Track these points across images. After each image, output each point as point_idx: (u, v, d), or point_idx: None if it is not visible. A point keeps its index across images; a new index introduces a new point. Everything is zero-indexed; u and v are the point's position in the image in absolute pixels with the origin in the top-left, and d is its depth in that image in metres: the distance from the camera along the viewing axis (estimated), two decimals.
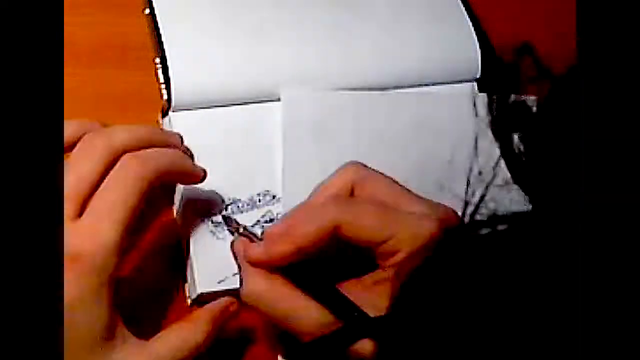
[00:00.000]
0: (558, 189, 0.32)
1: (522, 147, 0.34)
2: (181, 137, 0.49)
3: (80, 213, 0.42)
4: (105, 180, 0.43)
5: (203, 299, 0.47)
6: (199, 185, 0.49)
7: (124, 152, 0.44)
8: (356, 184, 0.44)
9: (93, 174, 0.43)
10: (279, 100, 0.53)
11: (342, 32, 0.55)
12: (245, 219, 0.49)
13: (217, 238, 0.49)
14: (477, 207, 0.33)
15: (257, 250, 0.43)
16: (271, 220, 0.50)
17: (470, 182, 0.34)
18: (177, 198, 0.50)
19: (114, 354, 0.42)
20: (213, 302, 0.45)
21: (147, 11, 0.55)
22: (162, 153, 0.46)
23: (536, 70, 0.35)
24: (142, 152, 0.44)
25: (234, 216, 0.49)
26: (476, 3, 0.59)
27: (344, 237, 0.42)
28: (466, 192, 0.34)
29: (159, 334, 0.44)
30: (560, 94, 0.34)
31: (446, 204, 0.44)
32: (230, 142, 0.51)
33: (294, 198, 0.46)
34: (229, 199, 0.50)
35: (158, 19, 0.54)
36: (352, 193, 0.45)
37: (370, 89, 0.54)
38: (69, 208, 0.42)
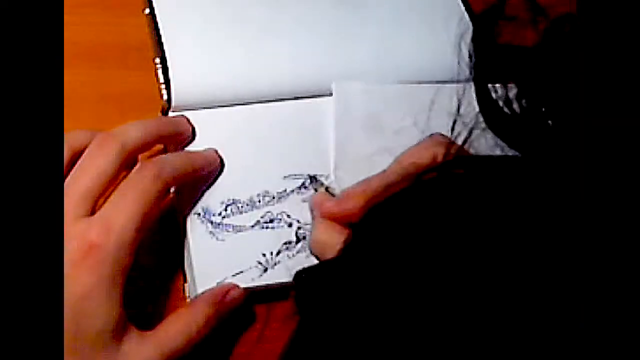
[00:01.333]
0: (547, 140, 0.32)
1: (503, 95, 0.34)
2: (188, 119, 0.50)
3: (93, 211, 0.43)
4: (123, 182, 0.44)
5: None
6: (199, 185, 0.49)
7: (136, 149, 0.45)
8: (437, 156, 0.43)
9: (107, 173, 0.44)
10: (278, 100, 0.53)
11: (345, 31, 0.55)
12: (244, 219, 0.49)
13: (217, 239, 0.49)
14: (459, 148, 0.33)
15: (330, 204, 0.43)
16: (271, 221, 0.50)
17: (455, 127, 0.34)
18: (176, 198, 0.50)
19: (122, 345, 0.42)
20: (214, 287, 0.46)
21: (147, 11, 0.55)
22: (177, 156, 0.48)
23: (531, 11, 0.35)
24: (158, 157, 0.46)
25: (233, 217, 0.49)
26: (477, 3, 0.59)
27: None
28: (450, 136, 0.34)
29: (161, 323, 0.45)
30: (554, 39, 0.34)
31: None
32: (230, 142, 0.51)
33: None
34: (229, 199, 0.50)
35: (158, 19, 0.53)
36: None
37: None
38: (82, 206, 0.43)
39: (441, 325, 0.28)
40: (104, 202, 0.44)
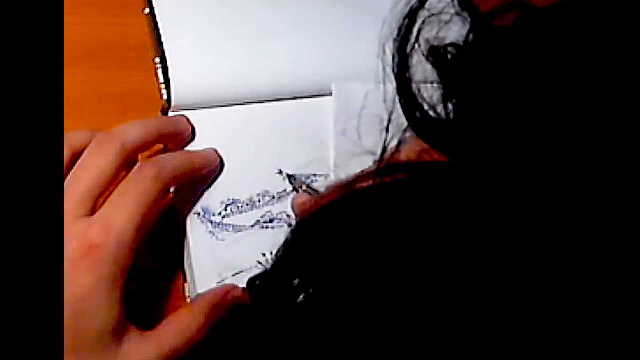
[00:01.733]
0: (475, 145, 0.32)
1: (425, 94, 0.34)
2: (188, 119, 0.50)
3: (93, 211, 0.43)
4: (123, 182, 0.44)
5: None
6: (199, 185, 0.49)
7: (136, 149, 0.45)
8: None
9: (106, 173, 0.44)
10: (278, 100, 0.53)
11: (345, 31, 0.55)
12: (244, 219, 0.49)
13: (217, 239, 0.49)
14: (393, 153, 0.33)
15: (309, 204, 0.44)
16: (271, 221, 0.50)
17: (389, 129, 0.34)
18: (176, 198, 0.50)
19: (122, 345, 0.42)
20: (215, 288, 0.46)
21: (147, 11, 0.54)
22: (176, 157, 0.48)
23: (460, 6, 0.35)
24: (158, 157, 0.46)
25: (233, 217, 0.49)
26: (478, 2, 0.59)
27: None
28: (385, 139, 0.34)
29: (161, 323, 0.45)
30: (482, 36, 0.34)
31: None
32: (230, 142, 0.51)
33: None
34: (229, 199, 0.50)
35: (158, 19, 0.53)
36: None
37: None
38: (83, 206, 0.43)
39: (366, 328, 0.29)
40: (104, 201, 0.44)
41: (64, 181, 0.44)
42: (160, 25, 0.53)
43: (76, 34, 0.54)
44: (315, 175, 0.51)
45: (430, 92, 0.34)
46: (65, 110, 0.38)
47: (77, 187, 0.43)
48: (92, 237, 0.42)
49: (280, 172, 0.51)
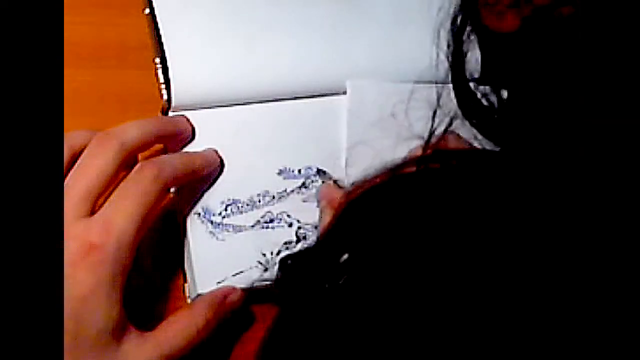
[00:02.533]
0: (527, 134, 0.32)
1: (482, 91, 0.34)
2: (187, 119, 0.50)
3: (93, 211, 0.43)
4: (123, 182, 0.44)
5: None
6: (199, 186, 0.49)
7: (136, 148, 0.46)
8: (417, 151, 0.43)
9: (106, 173, 0.44)
10: (278, 100, 0.53)
11: (346, 29, 0.55)
12: (244, 219, 0.49)
13: (217, 239, 0.49)
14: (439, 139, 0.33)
15: (338, 194, 0.45)
16: (271, 221, 0.50)
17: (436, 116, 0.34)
18: (176, 198, 0.50)
19: (121, 345, 0.43)
20: (213, 290, 0.46)
21: (147, 11, 0.54)
22: (176, 157, 0.48)
23: None
24: (158, 157, 0.46)
25: (234, 217, 0.49)
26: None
27: None
28: (431, 126, 0.34)
29: (161, 324, 0.45)
30: (534, 29, 0.34)
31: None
32: (230, 142, 0.51)
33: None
34: (229, 199, 0.50)
35: (158, 19, 0.53)
36: None
37: None
38: (82, 206, 0.43)
39: (411, 311, 0.28)
40: (104, 201, 0.44)
41: (64, 181, 0.44)
42: (160, 25, 0.53)
43: (76, 34, 0.54)
44: (316, 174, 0.51)
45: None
46: (65, 110, 0.38)
47: (76, 187, 0.43)
48: (92, 238, 0.42)
49: (280, 173, 0.51)
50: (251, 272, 0.48)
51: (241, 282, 0.48)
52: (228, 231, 0.49)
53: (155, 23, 0.53)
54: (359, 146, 0.52)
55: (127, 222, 0.43)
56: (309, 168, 0.51)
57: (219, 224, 0.49)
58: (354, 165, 0.51)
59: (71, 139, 0.45)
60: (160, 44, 0.53)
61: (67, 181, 0.44)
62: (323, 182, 0.49)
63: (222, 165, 0.50)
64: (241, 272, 0.48)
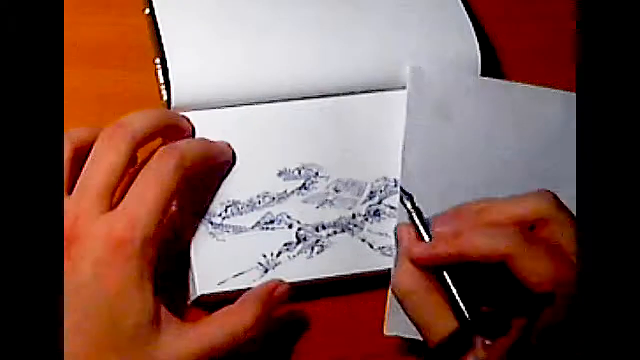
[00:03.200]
0: None
1: None
2: (187, 119, 0.50)
3: (111, 205, 0.43)
4: (143, 171, 0.44)
5: (203, 300, 0.47)
6: (199, 186, 0.49)
7: (145, 139, 0.46)
8: (541, 218, 0.43)
9: (119, 166, 0.44)
10: (278, 100, 0.53)
11: (345, 30, 0.55)
12: (244, 220, 0.49)
13: (217, 239, 0.48)
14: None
15: (419, 249, 0.44)
16: (271, 222, 0.50)
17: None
18: (177, 199, 0.50)
19: (161, 336, 0.42)
20: (259, 285, 0.46)
21: (147, 11, 0.54)
22: (194, 143, 0.48)
23: None
24: (176, 143, 0.46)
25: (234, 217, 0.49)
26: (476, 2, 0.59)
27: (511, 267, 0.42)
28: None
29: (205, 318, 0.44)
30: None
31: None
32: (230, 142, 0.51)
33: (413, 179, 0.50)
34: (229, 201, 0.50)
35: (158, 19, 0.53)
36: (534, 223, 0.44)
37: (370, 89, 0.54)
38: (101, 203, 0.43)
39: None
40: (121, 193, 0.44)
41: (64, 181, 0.44)
42: (160, 25, 0.53)
43: (76, 34, 0.54)
44: (316, 175, 0.51)
45: None
46: (65, 110, 0.38)
47: (93, 184, 0.43)
48: (118, 233, 0.42)
49: (280, 174, 0.51)
50: (252, 273, 0.48)
51: (242, 283, 0.47)
52: (228, 232, 0.49)
53: (155, 23, 0.53)
54: (417, 131, 0.52)
55: (151, 214, 0.43)
56: (309, 169, 0.51)
57: (219, 225, 0.49)
58: (411, 149, 0.51)
59: (72, 136, 0.45)
60: (160, 44, 0.53)
61: (82, 179, 0.44)
62: (405, 206, 0.47)
63: (234, 159, 0.50)
64: (242, 272, 0.48)
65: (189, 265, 0.49)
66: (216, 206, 0.49)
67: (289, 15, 0.56)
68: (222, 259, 0.47)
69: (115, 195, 0.44)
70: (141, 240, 0.42)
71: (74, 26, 0.52)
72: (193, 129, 0.51)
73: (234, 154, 0.50)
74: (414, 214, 0.46)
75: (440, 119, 0.53)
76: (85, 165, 0.44)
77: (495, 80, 0.56)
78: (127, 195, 0.43)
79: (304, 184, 0.51)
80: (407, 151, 0.51)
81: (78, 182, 0.44)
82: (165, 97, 0.52)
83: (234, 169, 0.51)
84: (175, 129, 0.49)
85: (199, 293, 0.47)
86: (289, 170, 0.51)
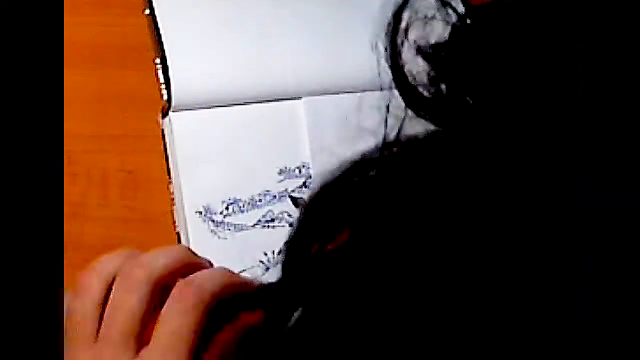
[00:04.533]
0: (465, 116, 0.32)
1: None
2: (210, 262, 0.47)
3: (137, 349, 0.41)
4: (163, 312, 0.41)
5: None
6: (199, 186, 0.49)
7: (164, 277, 0.42)
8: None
9: (141, 309, 0.41)
10: (278, 100, 0.53)
11: (345, 31, 0.55)
12: (245, 218, 0.49)
13: (219, 237, 0.49)
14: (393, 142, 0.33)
15: None
16: (272, 220, 0.50)
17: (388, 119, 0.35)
18: (177, 198, 0.50)
19: None
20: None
21: (147, 11, 0.54)
22: (214, 275, 0.44)
23: None
24: (194, 277, 0.42)
25: (235, 216, 0.49)
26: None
27: None
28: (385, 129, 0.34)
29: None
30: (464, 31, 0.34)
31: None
32: (231, 142, 0.51)
33: None
34: (230, 199, 0.50)
35: (158, 19, 0.53)
36: None
37: (372, 88, 0.54)
38: (127, 348, 0.40)
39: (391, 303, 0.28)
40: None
41: (63, 182, 0.44)
42: (160, 25, 0.53)
43: (76, 34, 0.54)
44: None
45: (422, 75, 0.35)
46: (65, 110, 0.38)
47: (114, 330, 0.40)
48: None
49: (281, 172, 0.51)
50: (253, 271, 0.48)
51: None
52: (229, 230, 0.49)
53: (155, 23, 0.53)
54: (321, 156, 0.51)
55: (179, 357, 0.41)
56: (309, 168, 0.51)
57: (220, 223, 0.49)
58: (319, 174, 0.51)
59: (100, 268, 0.43)
60: (160, 44, 0.53)
61: (105, 322, 0.42)
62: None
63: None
64: (243, 270, 0.48)
65: None
66: (217, 204, 0.49)
67: (289, 14, 0.56)
68: (223, 257, 0.47)
69: (142, 336, 0.42)
70: None
71: (74, 26, 0.52)
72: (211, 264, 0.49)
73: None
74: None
75: (340, 139, 0.52)
76: (107, 308, 0.42)
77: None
78: (151, 340, 0.40)
79: (304, 183, 0.51)
80: (316, 176, 0.51)
81: (102, 326, 0.42)
82: (165, 97, 0.52)
83: (235, 167, 0.51)
84: (195, 267, 0.47)
85: None
86: (290, 169, 0.51)
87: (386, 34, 0.38)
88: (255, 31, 0.54)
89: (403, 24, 0.38)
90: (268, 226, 0.50)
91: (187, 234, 0.49)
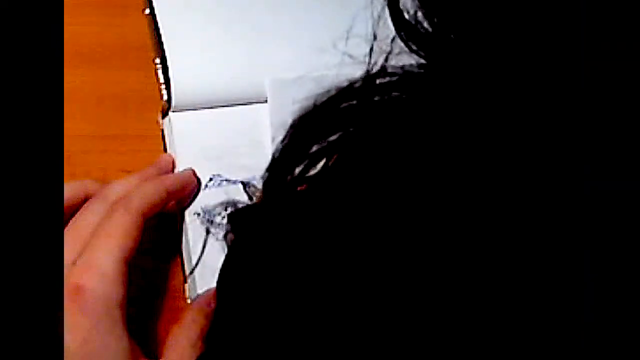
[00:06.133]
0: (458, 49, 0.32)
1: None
2: (194, 172, 0.50)
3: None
4: (98, 224, 0.44)
5: None
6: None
7: (146, 213, 0.45)
8: None
9: (91, 224, 0.43)
10: None
11: (343, 30, 0.55)
12: None
13: (217, 239, 0.49)
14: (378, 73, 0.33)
15: None
16: None
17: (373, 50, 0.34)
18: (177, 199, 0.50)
19: None
20: (197, 299, 0.46)
21: (147, 11, 0.55)
22: (147, 186, 0.46)
23: None
24: (127, 191, 0.46)
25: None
26: None
27: None
28: (369, 62, 0.34)
29: (167, 344, 0.44)
30: None
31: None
32: (231, 142, 0.51)
33: None
34: (229, 200, 0.50)
35: (158, 19, 0.53)
36: None
37: None
38: (67, 257, 0.42)
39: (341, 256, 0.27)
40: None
41: (63, 182, 0.44)
42: (160, 25, 0.53)
43: (76, 34, 0.54)
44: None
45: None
46: (65, 110, 0.38)
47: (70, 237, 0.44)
48: (76, 280, 0.41)
49: None
50: None
51: None
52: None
53: (155, 23, 0.53)
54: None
55: (108, 257, 0.42)
56: None
57: (219, 224, 0.49)
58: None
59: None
60: (160, 44, 0.53)
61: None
62: (250, 196, 0.48)
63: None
64: None
65: (188, 264, 0.49)
66: (216, 206, 0.49)
67: (289, 14, 0.56)
68: (221, 258, 0.47)
69: None
70: (101, 282, 0.42)
71: (74, 26, 0.52)
72: (198, 180, 0.50)
73: (198, 180, 0.50)
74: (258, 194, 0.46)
75: None
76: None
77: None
78: (87, 247, 0.43)
79: None
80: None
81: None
82: (165, 97, 0.52)
83: (235, 168, 0.51)
84: (179, 193, 0.49)
85: (198, 292, 0.47)
86: None
87: None
88: (255, 31, 0.54)
89: None
90: None
91: (186, 235, 0.49)
